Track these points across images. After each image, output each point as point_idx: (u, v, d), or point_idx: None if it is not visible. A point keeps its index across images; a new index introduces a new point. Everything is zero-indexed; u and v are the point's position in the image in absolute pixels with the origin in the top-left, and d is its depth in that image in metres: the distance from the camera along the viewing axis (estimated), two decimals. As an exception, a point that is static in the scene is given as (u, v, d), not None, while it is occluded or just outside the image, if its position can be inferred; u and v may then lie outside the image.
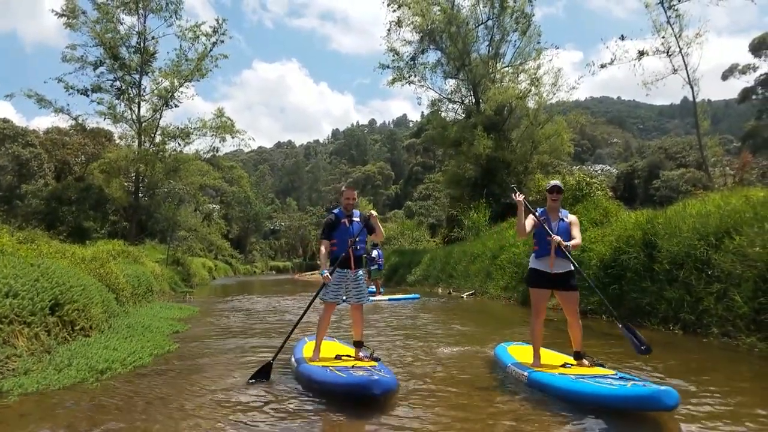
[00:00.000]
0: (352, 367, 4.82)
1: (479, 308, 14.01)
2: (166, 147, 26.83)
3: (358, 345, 5.66)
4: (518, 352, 5.83)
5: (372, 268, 17.50)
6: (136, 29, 26.02)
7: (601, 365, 4.98)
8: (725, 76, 46.97)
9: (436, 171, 61.30)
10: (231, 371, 5.73)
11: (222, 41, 26.32)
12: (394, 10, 28.36)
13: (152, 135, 26.51)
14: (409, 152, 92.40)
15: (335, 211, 5.74)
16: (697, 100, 21.37)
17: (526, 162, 26.71)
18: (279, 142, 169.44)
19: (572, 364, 5.05)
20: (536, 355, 5.25)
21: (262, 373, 5.21)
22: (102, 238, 22.39)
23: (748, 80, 46.33)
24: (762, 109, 46.90)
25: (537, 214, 5.32)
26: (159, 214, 31.28)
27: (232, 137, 27.91)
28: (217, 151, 29.22)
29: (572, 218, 5.38)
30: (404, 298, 15.99)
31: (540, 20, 28.28)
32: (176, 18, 26.20)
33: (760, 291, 6.55)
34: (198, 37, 25.97)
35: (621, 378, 4.36)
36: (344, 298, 5.61)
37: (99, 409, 4.29)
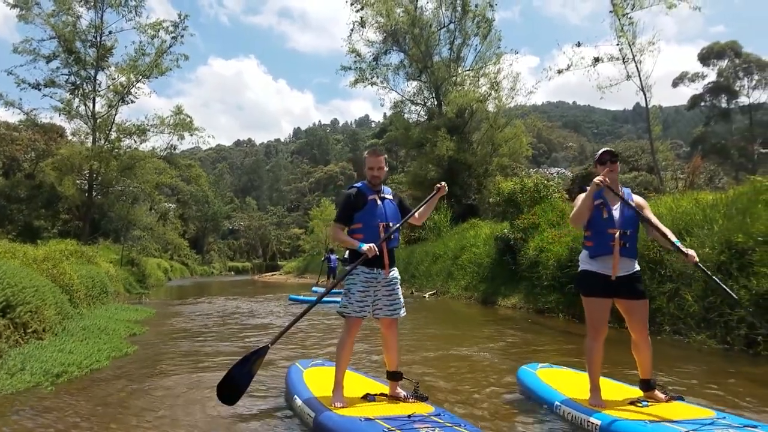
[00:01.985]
0: (409, 417, 3.40)
1: (445, 308, 14.15)
2: (121, 144, 26.10)
3: (395, 378, 4.01)
4: (556, 380, 4.41)
5: (346, 269, 17.11)
6: (93, 23, 25.22)
7: (680, 399, 3.82)
8: (675, 84, 48.82)
9: (398, 172, 61.56)
10: (191, 374, 5.63)
11: (182, 36, 25.77)
12: (358, 10, 28.45)
13: (107, 132, 25.74)
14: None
15: (357, 184, 4.19)
16: (650, 106, 22.11)
17: (486, 164, 27.13)
18: (238, 140, 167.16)
19: (647, 401, 3.71)
20: (595, 389, 3.83)
21: (253, 359, 3.85)
22: (53, 238, 21.64)
23: (697, 88, 48.36)
24: (710, 115, 48.95)
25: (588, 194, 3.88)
26: (113, 213, 30.42)
27: (191, 135, 27.37)
28: (175, 149, 28.61)
29: (639, 200, 4.00)
30: None
31: (497, 24, 28.89)
32: (136, 15, 25.56)
33: (710, 291, 6.85)
34: (158, 32, 25.35)
35: (747, 427, 3.14)
36: (371, 310, 4.02)
37: (55, 414, 4.16)
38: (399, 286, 4.12)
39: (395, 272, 4.11)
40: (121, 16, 25.62)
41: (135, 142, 26.50)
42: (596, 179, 3.75)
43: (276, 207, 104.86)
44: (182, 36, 25.86)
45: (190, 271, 54.84)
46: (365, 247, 3.85)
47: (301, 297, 15.75)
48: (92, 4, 24.99)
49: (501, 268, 14.17)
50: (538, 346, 7.36)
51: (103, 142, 25.59)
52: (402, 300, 4.11)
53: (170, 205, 54.35)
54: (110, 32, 25.76)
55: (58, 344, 6.46)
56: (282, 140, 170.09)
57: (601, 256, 3.82)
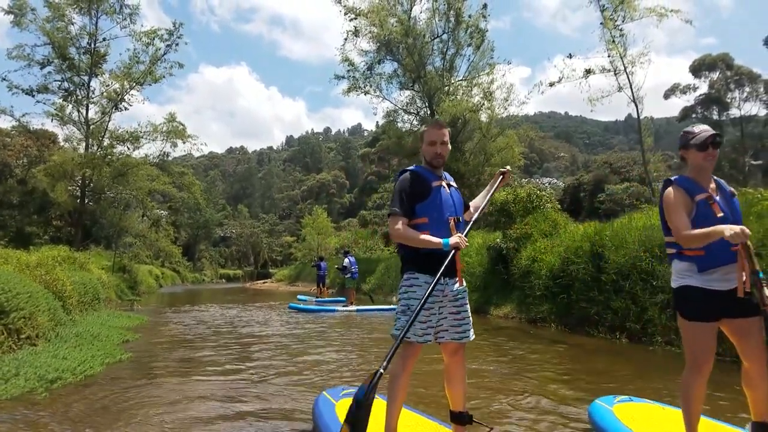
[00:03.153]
0: None
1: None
2: (114, 151, 26.06)
3: (462, 421, 3.12)
4: (640, 422, 3.50)
5: (346, 277, 16.84)
6: (87, 30, 25.27)
7: None
8: (667, 95, 49.38)
9: (390, 181, 61.85)
10: (186, 383, 5.63)
11: (177, 44, 25.86)
12: (351, 20, 28.59)
13: (100, 138, 25.71)
14: (364, 161, 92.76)
15: (412, 167, 3.24)
16: (641, 117, 22.33)
17: (479, 174, 27.24)
18: (231, 147, 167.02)
19: None
20: None
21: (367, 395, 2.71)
22: (45, 244, 21.54)
23: (689, 100, 48.92)
24: (700, 127, 49.38)
25: (683, 185, 3.00)
26: (104, 220, 30.28)
27: (184, 142, 27.40)
28: (168, 156, 28.58)
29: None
30: (379, 309, 15.30)
31: (490, 35, 29.15)
32: (131, 22, 25.64)
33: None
34: (153, 40, 25.43)
35: None
36: (435, 332, 3.06)
37: (50, 420, 4.16)
38: (467, 302, 3.20)
39: (464, 283, 3.20)
40: (115, 23, 25.71)
41: (128, 149, 26.50)
42: (736, 232, 2.59)
43: (268, 215, 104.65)
44: (177, 44, 25.97)
45: (182, 278, 54.62)
46: (453, 240, 2.93)
47: (301, 306, 15.74)
48: (86, 10, 25.03)
49: (493, 278, 14.22)
50: (551, 361, 7.36)
51: (96, 148, 25.55)
52: (471, 319, 3.19)
53: (162, 212, 54.14)
54: (104, 39, 25.81)
55: (51, 350, 6.44)
56: (275, 148, 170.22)
57: (718, 267, 2.88)
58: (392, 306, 15.71)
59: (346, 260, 16.87)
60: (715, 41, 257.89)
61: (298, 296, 21.92)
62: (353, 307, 15.34)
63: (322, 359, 7.16)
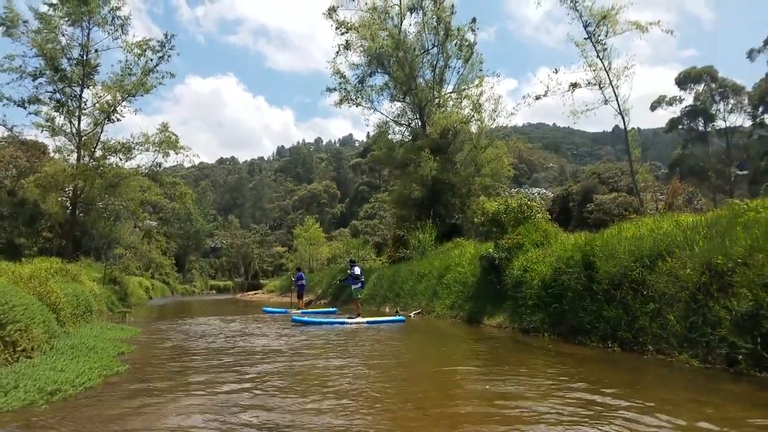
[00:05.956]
0: None
1: (436, 329, 14.05)
2: (106, 162, 25.98)
3: None
4: None
5: (354, 286, 16.53)
6: (79, 41, 25.27)
7: None
8: (653, 107, 50.13)
9: (381, 191, 62.11)
10: (185, 394, 5.66)
11: (169, 56, 25.95)
12: (342, 34, 28.85)
13: (92, 149, 25.64)
14: (355, 172, 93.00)
15: None
16: (628, 128, 22.63)
17: (470, 184, 27.44)
18: (221, 158, 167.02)
19: None
20: None
21: None
22: (34, 256, 21.38)
23: (675, 111, 49.71)
24: (687, 138, 50.28)
25: None
26: (95, 231, 30.10)
27: (176, 153, 27.36)
28: (160, 167, 28.53)
29: None
30: (386, 321, 15.15)
31: (478, 47, 29.46)
32: (122, 33, 25.68)
33: (692, 310, 7.04)
34: (145, 51, 25.48)
35: None
36: None
37: (52, 432, 4.18)
38: None
39: None
40: (107, 35, 25.74)
41: (120, 159, 26.43)
42: None
43: (259, 225, 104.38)
44: (169, 56, 26.06)
45: (171, 289, 54.27)
46: None
47: (305, 319, 15.25)
48: (78, 21, 25.00)
49: (486, 288, 14.29)
50: (588, 378, 7.35)
51: (88, 159, 25.47)
52: None
53: (153, 222, 53.89)
54: (96, 50, 25.81)
55: (49, 362, 6.44)
56: (266, 158, 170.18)
57: None
58: (397, 317, 15.59)
59: (357, 269, 16.58)
60: (699, 53, 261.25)
61: (264, 308, 21.84)
62: (363, 319, 15.03)
63: (326, 372, 7.16)
